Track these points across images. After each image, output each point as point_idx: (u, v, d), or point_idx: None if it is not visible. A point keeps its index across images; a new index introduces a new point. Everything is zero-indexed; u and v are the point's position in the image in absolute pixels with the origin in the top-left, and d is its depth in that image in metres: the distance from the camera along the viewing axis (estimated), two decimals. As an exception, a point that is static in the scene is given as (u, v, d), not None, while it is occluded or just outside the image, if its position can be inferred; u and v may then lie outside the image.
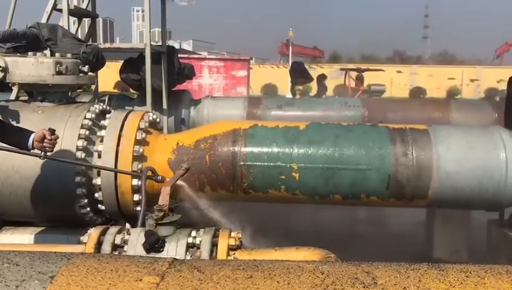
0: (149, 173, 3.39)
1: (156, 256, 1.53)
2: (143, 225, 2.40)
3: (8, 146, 3.06)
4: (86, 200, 3.63)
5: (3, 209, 3.72)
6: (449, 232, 5.01)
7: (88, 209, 3.69)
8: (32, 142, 2.94)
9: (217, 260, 1.10)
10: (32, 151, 3.00)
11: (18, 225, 3.90)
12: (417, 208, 3.93)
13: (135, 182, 3.58)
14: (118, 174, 3.61)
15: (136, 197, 3.62)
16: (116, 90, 9.18)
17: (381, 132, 3.77)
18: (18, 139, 3.01)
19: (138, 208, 3.62)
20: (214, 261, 1.11)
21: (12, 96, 4.92)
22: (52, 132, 2.92)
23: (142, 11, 5.74)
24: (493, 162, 3.52)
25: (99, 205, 3.72)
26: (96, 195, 3.66)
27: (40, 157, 2.96)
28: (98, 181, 3.62)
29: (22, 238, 3.72)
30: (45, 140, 2.90)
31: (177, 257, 1.63)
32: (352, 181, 3.64)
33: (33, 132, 2.98)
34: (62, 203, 3.62)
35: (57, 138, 2.98)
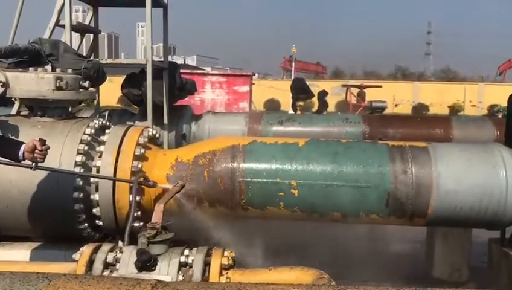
0: (141, 179, 3.38)
1: (142, 277, 1.51)
2: (130, 234, 2.38)
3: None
4: (83, 216, 3.62)
5: (1, 224, 3.70)
6: (450, 251, 4.96)
7: (86, 224, 3.67)
8: (23, 153, 2.90)
9: (201, 283, 1.08)
10: (23, 162, 2.96)
11: (15, 239, 3.88)
12: (417, 226, 3.89)
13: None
14: (116, 190, 3.60)
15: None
16: (119, 105, 9.22)
17: (380, 149, 3.76)
18: (8, 151, 2.97)
19: (136, 224, 3.61)
20: (197, 284, 1.09)
21: (14, 110, 4.96)
22: (42, 142, 2.88)
23: (144, 26, 5.78)
24: (493, 181, 3.49)
25: (97, 221, 3.71)
26: (94, 211, 3.65)
27: (31, 168, 2.91)
28: (96, 197, 3.61)
29: (19, 253, 3.69)
30: (36, 151, 2.86)
31: (164, 278, 1.61)
32: (351, 198, 3.62)
33: (24, 143, 2.94)
34: (60, 219, 3.61)
35: (48, 148, 2.92)
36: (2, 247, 3.80)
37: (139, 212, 3.60)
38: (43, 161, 2.96)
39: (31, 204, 3.54)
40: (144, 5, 5.64)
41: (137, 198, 3.55)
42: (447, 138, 6.28)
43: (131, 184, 3.45)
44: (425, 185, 3.50)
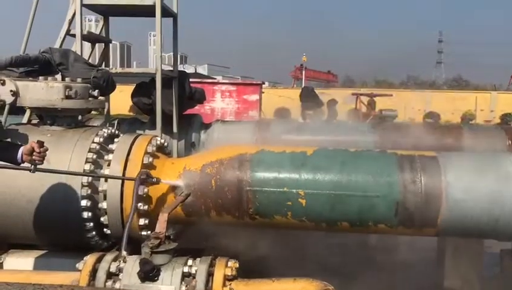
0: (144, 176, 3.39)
1: (144, 288, 1.51)
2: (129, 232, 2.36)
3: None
4: (91, 224, 3.62)
5: (10, 233, 3.73)
6: (460, 262, 4.89)
7: (94, 233, 3.68)
8: (22, 156, 2.90)
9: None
10: (22, 165, 2.96)
11: (24, 248, 3.90)
12: (426, 236, 3.84)
13: (141, 206, 3.57)
14: (124, 198, 3.61)
15: (142, 221, 3.60)
16: (131, 114, 9.29)
17: (389, 158, 3.73)
18: (7, 155, 2.98)
19: (144, 233, 3.61)
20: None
21: (25, 119, 5.01)
22: (40, 144, 2.88)
23: (161, 35, 5.83)
24: (504, 190, 3.44)
25: (104, 229, 3.72)
26: (102, 219, 3.66)
27: (30, 170, 2.91)
28: (103, 205, 3.62)
29: (27, 261, 3.72)
30: (34, 153, 2.86)
31: (167, 289, 1.60)
32: (359, 208, 3.59)
33: (22, 146, 2.95)
34: (67, 227, 3.62)
35: (46, 150, 2.92)
36: (10, 255, 3.82)
37: (146, 221, 3.61)
38: (42, 163, 2.95)
39: (39, 213, 3.56)
40: (153, 15, 5.68)
41: (145, 207, 3.56)
42: (458, 147, 6.21)
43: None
44: (435, 195, 3.46)
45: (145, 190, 3.59)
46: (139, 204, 3.55)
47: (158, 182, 3.55)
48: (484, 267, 5.00)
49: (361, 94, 13.91)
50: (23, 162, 2.94)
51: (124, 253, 2.01)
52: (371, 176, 3.59)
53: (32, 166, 2.91)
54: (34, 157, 2.88)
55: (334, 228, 3.72)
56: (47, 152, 3.00)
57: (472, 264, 4.82)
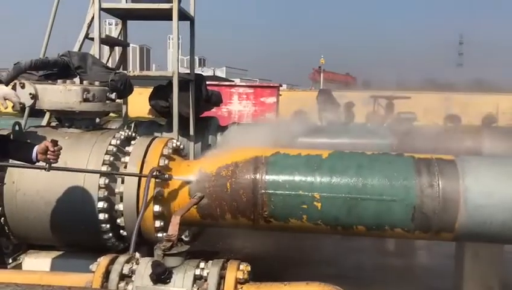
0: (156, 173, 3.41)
1: (161, 288, 1.51)
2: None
3: (15, 162, 3.11)
4: (108, 226, 3.66)
5: (29, 234, 3.79)
6: (480, 267, 4.79)
7: (110, 234, 3.71)
8: (36, 154, 2.95)
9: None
10: (37, 164, 3.01)
11: (42, 248, 3.96)
12: (444, 241, 3.78)
13: (157, 208, 3.60)
14: (140, 200, 3.63)
15: (158, 223, 3.63)
16: (150, 116, 9.37)
17: (406, 162, 3.68)
18: (22, 154, 3.03)
19: (159, 235, 3.63)
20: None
21: (44, 122, 5.09)
22: (54, 143, 2.92)
23: (177, 39, 5.89)
24: (525, 195, 3.36)
25: (121, 231, 3.75)
26: (118, 221, 3.69)
27: (45, 169, 2.95)
28: (120, 207, 3.65)
29: (45, 262, 3.77)
30: (48, 152, 2.91)
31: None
32: (376, 212, 3.55)
33: (36, 145, 2.99)
34: (84, 229, 3.66)
35: (60, 148, 2.96)
36: (29, 255, 3.88)
37: (162, 223, 3.63)
38: (56, 162, 2.99)
39: (57, 214, 3.61)
40: (171, 18, 5.73)
41: (160, 208, 3.58)
42: (478, 150, 6.12)
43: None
44: (453, 200, 3.40)
45: (161, 193, 3.62)
46: (155, 206, 3.58)
47: (170, 178, 3.56)
48: (504, 273, 4.90)
49: (379, 96, 13.78)
50: (38, 161, 2.99)
51: (137, 255, 2.02)
52: (387, 179, 3.55)
53: (47, 165, 2.94)
54: (48, 156, 2.92)
55: (350, 232, 3.69)
56: (65, 153, 3.05)
57: (492, 270, 4.72)
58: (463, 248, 4.99)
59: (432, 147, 5.80)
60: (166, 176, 3.54)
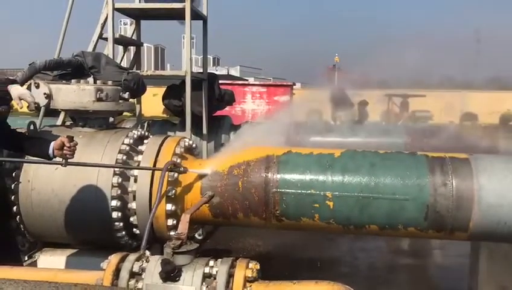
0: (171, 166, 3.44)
1: (166, 288, 1.52)
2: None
3: (32, 158, 3.16)
4: (121, 224, 3.69)
5: (43, 232, 3.84)
6: (495, 267, 4.73)
7: (123, 233, 3.74)
8: (53, 150, 3.00)
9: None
10: (53, 159, 3.06)
11: (57, 246, 4.01)
12: (458, 240, 3.74)
13: (169, 206, 3.62)
14: (153, 199, 3.65)
15: (170, 221, 3.65)
16: (164, 116, 9.45)
17: (419, 161, 3.64)
18: (39, 150, 3.09)
19: (172, 233, 3.65)
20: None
21: (59, 121, 5.16)
22: (70, 138, 2.97)
23: (191, 38, 5.92)
24: (541, 194, 3.31)
25: (134, 229, 3.78)
26: (131, 219, 3.72)
27: (61, 164, 3.00)
28: (133, 205, 3.68)
29: (59, 260, 3.82)
30: (64, 147, 2.96)
31: (188, 289, 1.61)
32: (388, 211, 3.52)
33: (52, 141, 3.04)
34: (98, 227, 3.70)
35: (76, 144, 3.01)
36: (44, 253, 3.94)
37: (174, 221, 3.65)
38: (72, 157, 3.04)
39: (71, 213, 3.65)
40: (184, 18, 5.76)
41: (172, 207, 3.60)
42: (494, 149, 6.04)
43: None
44: (467, 198, 3.36)
45: (173, 191, 3.64)
46: (167, 205, 3.60)
47: (185, 171, 3.56)
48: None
49: (393, 95, 13.65)
50: (54, 156, 3.03)
51: (147, 253, 2.04)
52: (400, 178, 3.52)
53: (63, 160, 2.99)
54: (64, 151, 2.97)
55: (362, 231, 3.66)
56: (79, 152, 3.09)
57: (507, 270, 4.66)
58: (478, 248, 4.95)
59: (447, 146, 5.74)
60: (182, 168, 3.55)
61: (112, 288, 1.37)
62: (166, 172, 3.46)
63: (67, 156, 2.99)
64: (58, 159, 3.05)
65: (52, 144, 3.01)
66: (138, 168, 3.67)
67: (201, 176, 3.73)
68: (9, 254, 3.06)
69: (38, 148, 3.11)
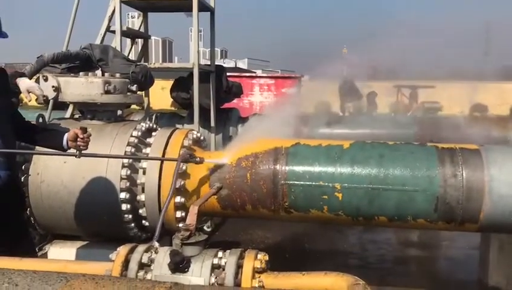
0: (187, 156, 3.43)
1: (175, 278, 1.52)
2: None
3: (45, 149, 3.17)
4: (130, 216, 3.70)
5: (53, 223, 3.86)
6: (506, 259, 4.70)
7: (133, 225, 3.76)
8: (67, 142, 3.01)
9: (216, 287, 1.07)
10: (68, 151, 3.07)
11: (67, 239, 4.04)
12: (468, 232, 3.71)
13: (178, 199, 3.62)
14: (162, 191, 3.66)
15: (179, 213, 3.65)
16: (172, 108, 9.47)
17: (429, 152, 3.61)
18: (54, 142, 3.10)
19: (181, 225, 3.65)
20: (212, 289, 1.08)
21: (68, 114, 5.18)
22: (84, 130, 2.97)
23: (199, 31, 5.90)
24: (552, 185, 3.27)
25: (143, 221, 3.79)
26: (140, 211, 3.73)
27: (75, 156, 3.01)
28: (142, 197, 3.69)
29: (69, 251, 3.84)
30: (78, 139, 2.96)
31: (197, 280, 1.61)
32: (398, 203, 3.50)
33: (66, 132, 3.05)
34: (107, 219, 3.71)
35: (89, 135, 3.01)
36: (54, 245, 3.96)
37: (183, 213, 3.65)
38: (86, 148, 3.04)
39: (80, 205, 3.67)
40: (191, 10, 5.74)
41: (182, 199, 3.61)
42: (504, 140, 5.98)
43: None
44: (477, 190, 3.33)
45: (182, 183, 3.64)
46: (176, 197, 3.61)
47: (201, 161, 3.54)
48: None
49: (402, 86, 13.55)
50: (68, 148, 3.05)
51: (156, 244, 2.05)
52: (409, 169, 3.49)
53: (77, 151, 3.00)
54: (78, 143, 2.98)
55: (372, 223, 3.65)
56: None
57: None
58: (488, 239, 4.92)
59: (456, 137, 5.70)
60: (197, 159, 3.53)
61: (121, 278, 1.38)
62: (183, 159, 3.44)
63: (81, 147, 3.00)
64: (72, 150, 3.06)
65: (66, 135, 3.02)
66: (154, 158, 3.66)
67: (212, 168, 3.72)
68: (25, 247, 3.09)
69: (52, 140, 3.12)
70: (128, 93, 4.16)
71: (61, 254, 3.85)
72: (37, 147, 3.40)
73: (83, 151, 3.03)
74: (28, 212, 3.80)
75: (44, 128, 3.34)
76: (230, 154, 3.74)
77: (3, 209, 2.89)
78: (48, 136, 3.17)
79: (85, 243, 3.96)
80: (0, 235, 2.89)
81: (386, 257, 5.81)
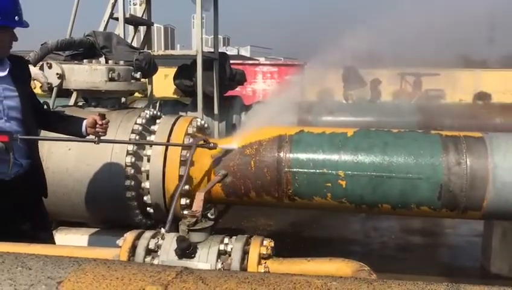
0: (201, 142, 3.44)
1: (181, 264, 1.54)
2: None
3: (64, 136, 3.19)
4: (135, 203, 3.73)
5: (58, 210, 3.88)
6: (509, 245, 4.72)
7: (137, 211, 3.78)
8: (86, 129, 3.04)
9: (225, 272, 1.09)
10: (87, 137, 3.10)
11: (73, 225, 4.07)
12: (471, 219, 3.72)
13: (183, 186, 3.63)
14: (166, 178, 3.68)
15: (183, 201, 3.67)
16: (175, 96, 9.47)
17: (433, 139, 3.61)
18: (72, 129, 3.12)
19: (185, 212, 3.67)
20: (221, 273, 1.09)
21: (71, 101, 5.19)
22: (102, 116, 3.00)
23: (201, 18, 5.86)
24: (556, 173, 3.27)
25: (148, 208, 3.81)
26: (145, 198, 3.75)
27: (94, 142, 3.04)
28: (146, 185, 3.71)
29: (75, 238, 3.88)
30: (97, 125, 2.99)
31: (203, 266, 1.63)
32: (401, 190, 3.50)
33: (84, 119, 3.07)
34: (112, 206, 3.74)
35: (108, 121, 3.05)
36: (60, 232, 4.00)
37: (188, 200, 3.67)
38: (105, 135, 3.07)
39: (85, 192, 3.69)
40: (194, -4, 5.71)
41: (187, 187, 3.62)
42: (508, 128, 5.97)
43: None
44: (481, 177, 3.33)
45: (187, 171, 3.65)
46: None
47: (215, 146, 3.56)
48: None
49: (406, 73, 13.51)
50: (88, 134, 3.07)
51: (162, 230, 2.06)
52: (413, 157, 3.49)
53: (96, 138, 3.03)
54: (97, 129, 3.00)
55: (375, 210, 3.66)
56: None
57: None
58: (491, 226, 4.94)
59: (460, 125, 5.69)
60: (211, 144, 3.54)
61: (132, 262, 1.39)
62: (197, 144, 3.45)
63: (100, 133, 3.02)
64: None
65: (85, 122, 3.05)
66: (171, 144, 3.67)
67: (216, 156, 3.72)
68: (44, 236, 3.11)
69: (71, 126, 3.13)
70: (132, 81, 4.16)
71: (66, 241, 3.88)
72: (52, 133, 3.38)
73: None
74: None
75: (62, 115, 3.35)
76: (241, 139, 3.74)
77: (24, 198, 2.92)
78: (67, 123, 3.19)
79: (90, 229, 4.00)
80: (21, 224, 2.92)
81: (388, 243, 5.84)
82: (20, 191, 2.84)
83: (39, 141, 3.25)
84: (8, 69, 2.81)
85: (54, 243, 3.31)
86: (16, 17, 2.68)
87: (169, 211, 2.61)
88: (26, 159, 2.95)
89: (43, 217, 3.22)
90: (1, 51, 2.77)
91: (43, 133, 3.36)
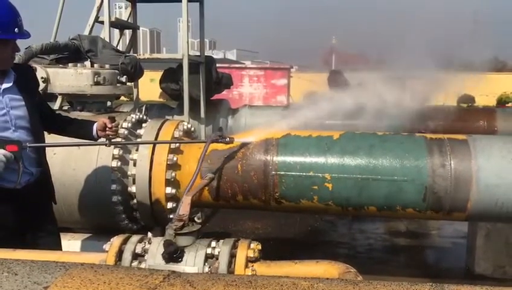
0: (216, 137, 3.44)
1: (169, 268, 1.54)
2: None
3: (74, 140, 3.21)
4: (121, 208, 3.71)
5: (44, 215, 3.85)
6: (492, 247, 4.79)
7: (123, 216, 3.76)
8: (96, 132, 3.06)
9: (213, 275, 1.09)
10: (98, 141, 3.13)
11: (60, 230, 4.02)
12: (456, 221, 3.77)
13: (168, 190, 3.63)
14: (152, 182, 3.66)
15: (170, 205, 3.66)
16: (161, 100, 9.45)
17: (417, 142, 3.65)
18: (83, 132, 3.15)
19: (171, 216, 3.66)
20: (209, 276, 1.09)
21: (56, 106, 5.14)
22: (112, 119, 3.02)
23: (188, 21, 5.86)
24: (538, 175, 3.33)
25: (134, 213, 3.80)
26: (131, 203, 3.73)
27: (106, 145, 3.07)
28: (133, 189, 3.69)
29: (63, 243, 3.82)
30: (107, 128, 3.01)
31: (190, 269, 1.63)
32: (387, 192, 3.54)
33: (94, 122, 3.09)
34: (99, 211, 3.71)
35: (118, 124, 3.07)
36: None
37: (174, 204, 3.66)
38: (115, 137, 3.11)
39: (72, 197, 3.66)
40: (180, 0, 5.71)
41: (173, 190, 3.61)
42: (491, 131, 6.06)
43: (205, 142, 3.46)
44: (465, 179, 3.38)
45: (173, 174, 3.65)
46: (167, 188, 3.62)
47: (232, 141, 3.52)
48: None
49: (392, 77, 13.62)
50: (99, 137, 3.09)
51: (149, 235, 2.06)
52: (399, 159, 3.53)
53: (107, 141, 3.06)
54: (107, 132, 3.02)
55: (361, 212, 3.69)
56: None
57: (504, 249, 4.72)
58: (476, 228, 5.01)
59: (444, 127, 5.76)
60: (227, 139, 3.50)
61: (118, 267, 1.39)
62: (212, 140, 3.43)
63: (110, 136, 3.04)
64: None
65: (95, 125, 3.06)
66: (182, 142, 3.69)
67: (202, 159, 3.71)
68: (52, 243, 3.10)
69: (81, 129, 3.15)
70: (118, 85, 4.14)
71: (52, 246, 3.84)
72: (59, 138, 3.34)
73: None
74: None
75: (72, 118, 3.34)
76: (257, 134, 3.74)
77: (36, 206, 2.94)
78: (77, 127, 3.20)
79: (76, 235, 3.96)
80: (33, 232, 2.96)
81: (374, 246, 5.88)
82: (31, 199, 2.86)
83: None
84: (13, 80, 2.80)
85: (60, 246, 3.32)
86: (16, 29, 2.66)
87: (158, 215, 2.60)
88: (37, 167, 2.97)
89: (53, 224, 3.24)
90: (4, 63, 2.75)
91: (52, 138, 3.34)
